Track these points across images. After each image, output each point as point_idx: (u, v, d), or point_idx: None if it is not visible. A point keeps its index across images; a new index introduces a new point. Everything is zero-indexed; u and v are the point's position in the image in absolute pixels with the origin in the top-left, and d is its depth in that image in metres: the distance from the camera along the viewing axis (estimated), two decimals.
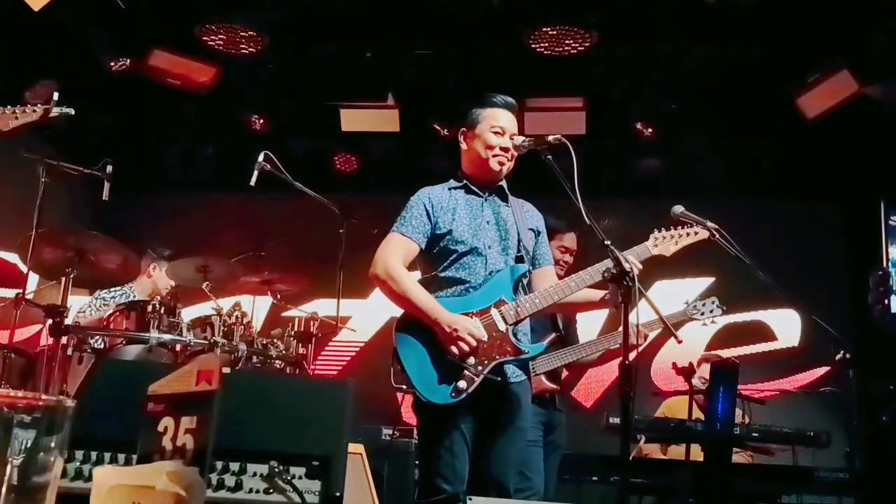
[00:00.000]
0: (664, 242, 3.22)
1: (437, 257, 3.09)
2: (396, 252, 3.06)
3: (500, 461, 2.96)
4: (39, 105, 3.66)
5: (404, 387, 2.87)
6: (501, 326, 2.96)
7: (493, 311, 2.97)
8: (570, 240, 4.37)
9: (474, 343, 2.88)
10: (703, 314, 4.11)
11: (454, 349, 2.87)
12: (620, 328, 4.05)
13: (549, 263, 3.28)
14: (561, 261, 4.27)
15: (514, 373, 3.03)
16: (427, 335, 2.92)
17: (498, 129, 3.15)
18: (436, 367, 2.89)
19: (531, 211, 3.31)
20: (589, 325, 5.41)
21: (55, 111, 3.64)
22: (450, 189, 3.20)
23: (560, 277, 4.00)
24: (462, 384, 2.86)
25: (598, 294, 3.13)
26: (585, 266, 3.09)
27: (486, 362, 2.90)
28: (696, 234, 3.26)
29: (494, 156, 3.13)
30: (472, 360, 2.88)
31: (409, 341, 2.94)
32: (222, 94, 6.55)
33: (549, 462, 4.16)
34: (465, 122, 3.23)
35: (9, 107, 3.61)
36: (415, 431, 4.74)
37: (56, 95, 3.68)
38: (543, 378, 4.14)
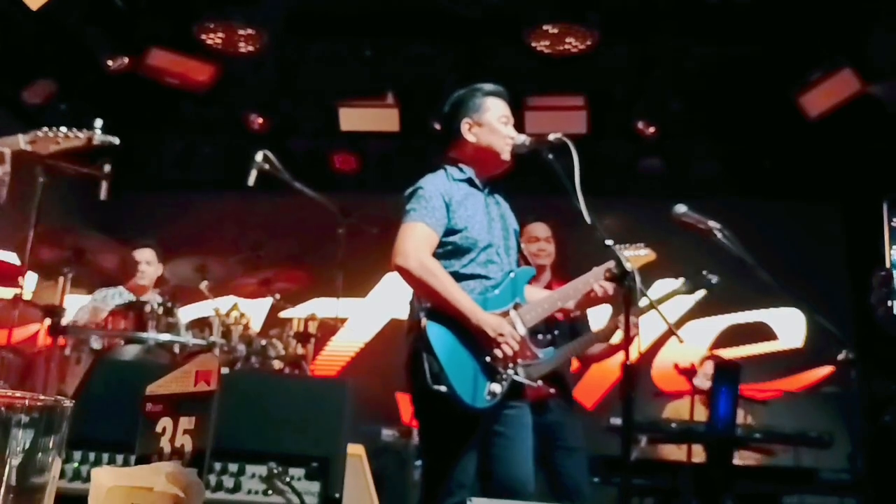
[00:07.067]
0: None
1: (450, 252, 2.90)
2: (426, 244, 2.84)
3: (525, 460, 2.87)
4: (85, 131, 3.45)
5: (444, 388, 2.66)
6: (522, 330, 2.85)
7: (513, 314, 2.87)
8: (534, 230, 4.25)
9: (518, 349, 2.77)
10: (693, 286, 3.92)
11: (498, 353, 2.75)
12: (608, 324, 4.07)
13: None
14: (535, 252, 4.16)
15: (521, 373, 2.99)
16: (458, 329, 2.76)
17: (505, 120, 3.03)
18: (468, 367, 2.74)
19: (508, 209, 3.18)
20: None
21: (98, 139, 3.44)
22: (454, 180, 3.00)
23: (542, 267, 4.12)
24: (496, 388, 2.75)
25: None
26: (579, 261, 3.06)
27: (513, 366, 2.82)
28: (646, 256, 3.33)
29: (507, 145, 2.97)
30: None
31: (443, 334, 2.75)
32: (221, 92, 6.52)
33: (565, 465, 4.09)
34: (469, 112, 3.02)
35: (52, 129, 3.39)
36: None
37: (100, 122, 3.50)
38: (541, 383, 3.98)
